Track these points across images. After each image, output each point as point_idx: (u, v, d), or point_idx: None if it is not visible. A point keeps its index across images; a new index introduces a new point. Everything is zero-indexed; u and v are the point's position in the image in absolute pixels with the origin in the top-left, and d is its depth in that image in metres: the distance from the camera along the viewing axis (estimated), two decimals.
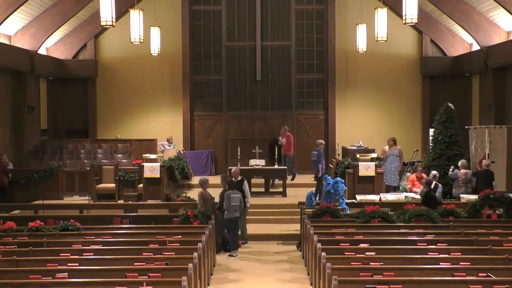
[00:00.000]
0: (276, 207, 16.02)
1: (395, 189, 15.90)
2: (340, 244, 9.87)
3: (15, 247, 9.81)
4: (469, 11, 18.43)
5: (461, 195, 14.72)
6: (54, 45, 21.49)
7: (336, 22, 21.82)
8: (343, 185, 13.61)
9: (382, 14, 16.78)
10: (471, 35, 19.21)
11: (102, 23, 13.47)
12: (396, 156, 16.10)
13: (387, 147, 16.43)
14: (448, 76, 22.01)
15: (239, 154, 18.37)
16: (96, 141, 21.32)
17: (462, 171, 15.38)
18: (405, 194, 14.54)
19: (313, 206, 13.58)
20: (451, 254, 9.23)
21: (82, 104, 22.45)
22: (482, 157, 16.75)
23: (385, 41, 17.17)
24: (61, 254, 9.30)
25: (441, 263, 8.71)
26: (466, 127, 17.82)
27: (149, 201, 15.46)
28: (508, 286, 7.59)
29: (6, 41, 17.70)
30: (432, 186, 13.30)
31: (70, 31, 21.52)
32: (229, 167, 17.71)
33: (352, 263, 8.69)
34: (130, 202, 15.36)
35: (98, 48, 22.41)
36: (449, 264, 8.66)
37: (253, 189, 17.02)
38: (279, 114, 22.05)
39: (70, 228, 10.85)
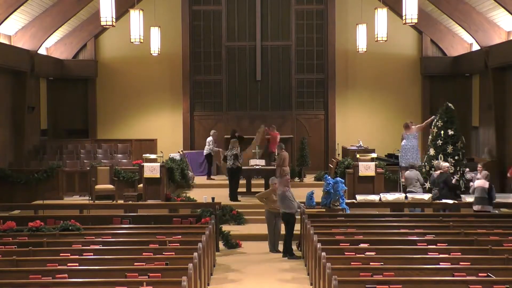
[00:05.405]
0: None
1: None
2: (340, 244, 9.88)
3: (15, 247, 9.81)
4: (469, 11, 18.42)
5: (462, 196, 14.68)
6: (54, 45, 21.48)
7: (336, 22, 21.81)
8: (343, 185, 13.61)
9: (382, 14, 16.77)
10: (471, 35, 19.20)
11: (102, 23, 13.46)
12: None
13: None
14: (448, 76, 21.99)
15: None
16: (96, 141, 21.32)
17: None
18: (404, 194, 14.55)
19: (313, 206, 13.58)
20: (451, 254, 9.23)
21: (82, 104, 22.44)
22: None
23: (385, 41, 17.16)
24: (61, 254, 9.30)
25: (441, 263, 8.72)
26: None
27: (149, 201, 15.45)
28: (508, 286, 7.59)
29: (6, 41, 17.68)
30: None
31: (70, 31, 21.51)
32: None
33: (352, 263, 8.69)
34: (130, 202, 15.34)
35: (98, 48, 22.40)
36: (449, 264, 8.67)
37: (253, 189, 17.02)
38: (279, 114, 22.04)
39: (70, 228, 10.86)
